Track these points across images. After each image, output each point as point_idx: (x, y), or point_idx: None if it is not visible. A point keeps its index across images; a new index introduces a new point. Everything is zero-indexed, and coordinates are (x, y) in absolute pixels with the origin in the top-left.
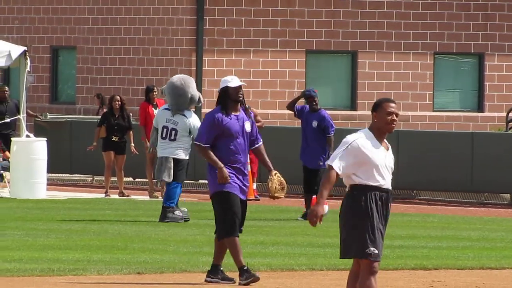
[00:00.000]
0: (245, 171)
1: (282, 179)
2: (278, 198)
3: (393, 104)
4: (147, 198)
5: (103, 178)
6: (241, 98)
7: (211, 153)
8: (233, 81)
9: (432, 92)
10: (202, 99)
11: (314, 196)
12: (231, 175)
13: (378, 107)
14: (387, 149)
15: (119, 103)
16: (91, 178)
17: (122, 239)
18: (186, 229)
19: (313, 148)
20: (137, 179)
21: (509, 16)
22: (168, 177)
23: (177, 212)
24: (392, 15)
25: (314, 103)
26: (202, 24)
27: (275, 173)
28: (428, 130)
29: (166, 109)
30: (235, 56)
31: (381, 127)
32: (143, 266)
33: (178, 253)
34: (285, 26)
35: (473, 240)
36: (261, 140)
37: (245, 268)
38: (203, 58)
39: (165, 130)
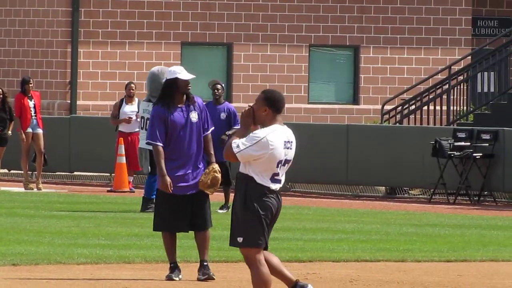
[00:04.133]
0: (196, 164)
1: (217, 175)
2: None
3: None
4: (22, 189)
5: None
6: (189, 90)
7: (162, 155)
8: (183, 73)
9: (307, 85)
10: None
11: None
12: (177, 176)
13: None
14: None
15: (1, 96)
16: None
17: None
18: (61, 221)
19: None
20: (12, 171)
21: (384, 8)
22: (146, 169)
23: None
24: (268, 7)
25: (218, 95)
26: (78, 16)
27: (212, 168)
28: (303, 123)
29: (145, 100)
30: (110, 48)
31: None
32: (18, 258)
33: (53, 245)
34: (160, 18)
35: (348, 233)
36: (210, 129)
37: (172, 265)
38: (79, 49)
39: (142, 120)
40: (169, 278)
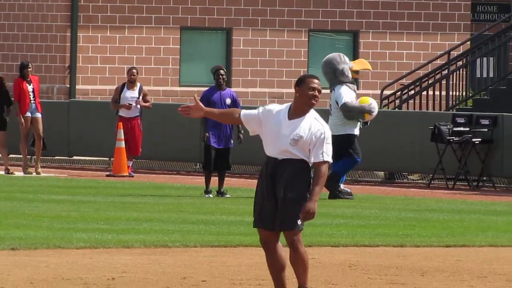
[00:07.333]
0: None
1: None
2: None
3: (316, 80)
4: (21, 173)
5: None
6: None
7: None
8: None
9: (306, 69)
10: (345, 71)
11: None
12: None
13: (302, 82)
14: (292, 121)
15: None
16: None
17: None
18: (60, 205)
19: (226, 127)
20: (11, 155)
21: None
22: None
23: (345, 188)
24: None
25: (222, 80)
26: (77, 0)
27: None
28: None
29: None
30: (109, 33)
31: (302, 102)
32: (17, 242)
33: (52, 229)
34: (159, 3)
35: (347, 218)
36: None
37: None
38: (78, 34)
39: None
40: None
